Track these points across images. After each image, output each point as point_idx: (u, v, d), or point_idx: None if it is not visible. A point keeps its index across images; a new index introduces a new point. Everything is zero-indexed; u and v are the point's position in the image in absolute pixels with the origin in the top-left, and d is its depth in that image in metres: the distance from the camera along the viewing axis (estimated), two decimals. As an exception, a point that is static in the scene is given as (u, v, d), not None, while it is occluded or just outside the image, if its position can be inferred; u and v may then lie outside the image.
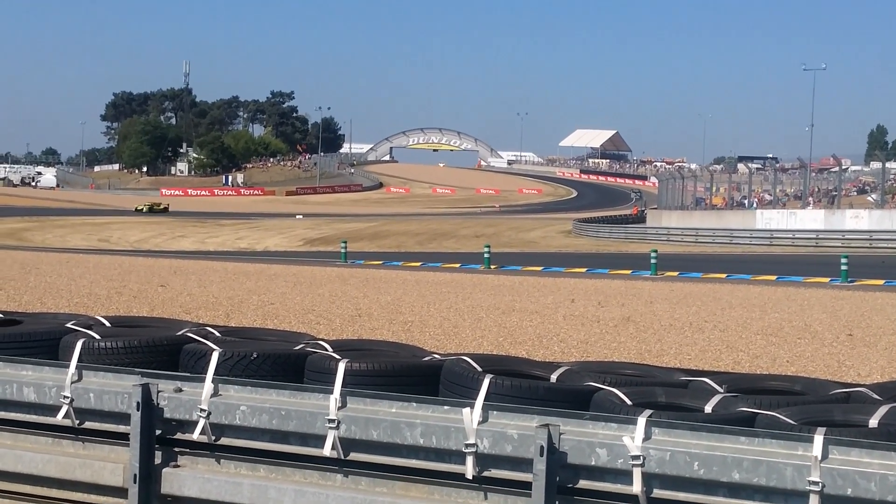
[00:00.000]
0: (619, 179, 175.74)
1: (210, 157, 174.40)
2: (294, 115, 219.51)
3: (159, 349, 6.51)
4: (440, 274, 35.29)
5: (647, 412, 4.97)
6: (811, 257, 47.14)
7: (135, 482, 5.82)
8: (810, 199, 67.92)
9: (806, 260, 45.16)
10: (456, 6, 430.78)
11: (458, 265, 40.89)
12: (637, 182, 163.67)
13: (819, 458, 4.50)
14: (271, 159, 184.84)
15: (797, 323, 19.98)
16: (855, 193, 78.41)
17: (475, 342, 16.07)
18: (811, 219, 58.73)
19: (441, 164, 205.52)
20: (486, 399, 5.26)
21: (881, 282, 32.37)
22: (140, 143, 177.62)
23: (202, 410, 5.72)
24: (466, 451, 5.14)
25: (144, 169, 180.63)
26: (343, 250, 44.21)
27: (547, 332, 17.59)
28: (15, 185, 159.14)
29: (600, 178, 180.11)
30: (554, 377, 6.05)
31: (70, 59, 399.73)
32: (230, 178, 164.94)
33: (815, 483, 4.49)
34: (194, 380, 5.90)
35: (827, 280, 32.97)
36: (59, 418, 6.10)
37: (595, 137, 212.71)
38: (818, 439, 4.54)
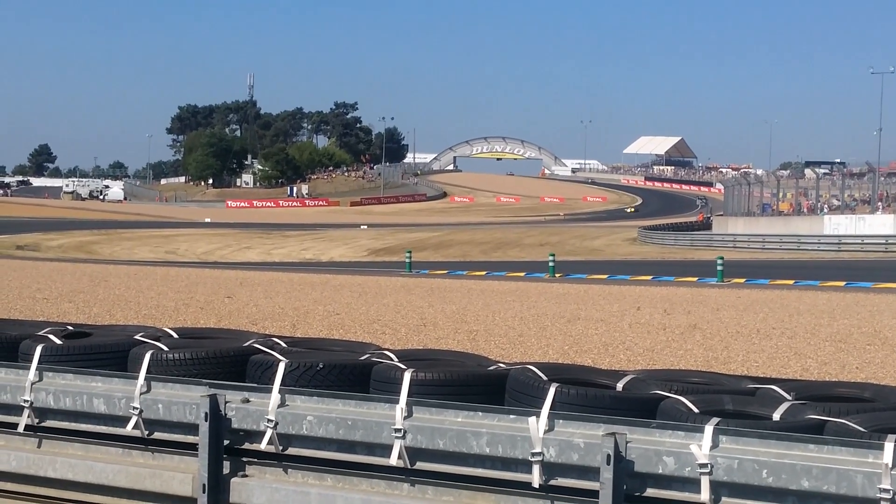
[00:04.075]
0: (684, 186, 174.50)
1: (275, 169, 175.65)
2: (358, 125, 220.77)
3: (226, 360, 6.53)
4: (505, 283, 35.26)
5: (715, 420, 4.93)
6: (880, 262, 46.56)
7: (204, 492, 5.87)
8: (879, 203, 67.06)
9: (875, 265, 44.60)
10: (519, 16, 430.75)
11: (522, 274, 40.85)
12: (703, 189, 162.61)
13: (890, 465, 4.44)
14: (336, 170, 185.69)
15: (866, 329, 19.74)
16: (925, 197, 77.29)
17: (540, 351, 16.03)
18: (880, 223, 58.05)
19: (511, 174, 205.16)
20: (551, 408, 5.25)
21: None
22: (205, 156, 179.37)
23: (269, 421, 5.76)
24: (533, 459, 5.13)
25: (210, 181, 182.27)
26: (408, 260, 44.31)
27: (613, 341, 17.50)
28: (83, 199, 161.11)
29: (665, 185, 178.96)
30: (620, 386, 6.01)
31: (136, 74, 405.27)
32: (295, 189, 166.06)
33: (886, 490, 4.43)
34: (261, 390, 5.93)
35: (897, 285, 32.55)
36: (129, 429, 6.16)
37: (660, 144, 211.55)
38: (889, 446, 4.48)
